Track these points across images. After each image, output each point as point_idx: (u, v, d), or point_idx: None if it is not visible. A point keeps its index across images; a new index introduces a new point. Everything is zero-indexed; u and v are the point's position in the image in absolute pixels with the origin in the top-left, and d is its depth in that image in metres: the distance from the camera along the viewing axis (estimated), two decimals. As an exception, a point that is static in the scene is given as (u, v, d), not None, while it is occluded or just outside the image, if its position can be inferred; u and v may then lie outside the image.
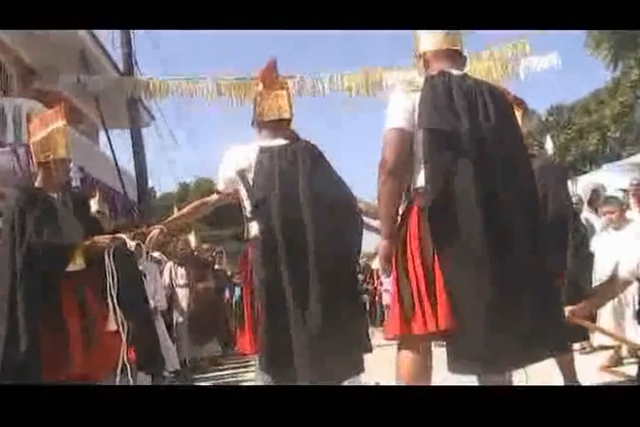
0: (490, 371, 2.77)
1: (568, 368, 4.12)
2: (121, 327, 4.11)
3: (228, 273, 10.89)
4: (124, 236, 4.22)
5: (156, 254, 8.77)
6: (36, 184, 4.27)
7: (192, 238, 9.37)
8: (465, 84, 2.82)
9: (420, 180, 2.74)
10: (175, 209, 9.87)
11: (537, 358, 2.80)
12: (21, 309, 3.83)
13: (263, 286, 3.54)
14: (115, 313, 4.14)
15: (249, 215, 3.71)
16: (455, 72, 2.90)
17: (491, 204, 2.61)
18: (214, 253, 10.77)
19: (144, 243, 4.22)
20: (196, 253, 9.19)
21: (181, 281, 8.50)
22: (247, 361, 9.36)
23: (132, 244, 4.21)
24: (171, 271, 8.53)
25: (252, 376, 7.53)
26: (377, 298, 12.33)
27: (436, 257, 2.64)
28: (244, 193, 3.73)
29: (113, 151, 13.09)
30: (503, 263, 2.58)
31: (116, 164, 13.11)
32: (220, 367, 8.89)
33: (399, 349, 2.81)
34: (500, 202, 2.64)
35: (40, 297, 3.89)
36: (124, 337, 4.05)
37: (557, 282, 2.93)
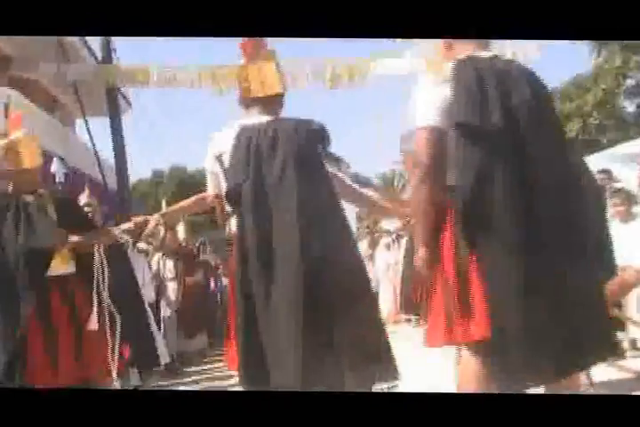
0: (534, 382, 2.57)
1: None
2: (108, 327, 3.95)
3: (212, 263, 10.76)
4: (114, 230, 4.09)
5: (143, 245, 8.61)
6: (9, 189, 4.10)
7: (181, 230, 9.16)
8: (496, 69, 2.60)
9: (452, 179, 2.54)
10: (164, 201, 9.72)
11: (585, 364, 2.69)
12: (2, 318, 3.66)
13: (238, 294, 3.03)
14: (101, 312, 3.97)
15: (227, 207, 3.26)
16: (484, 54, 2.68)
17: (528, 203, 2.45)
18: (198, 244, 10.61)
19: (140, 235, 4.08)
20: (184, 245, 9.01)
21: (169, 274, 8.33)
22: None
23: (124, 237, 4.07)
24: (159, 264, 8.36)
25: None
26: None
27: (471, 263, 2.48)
28: (222, 182, 3.24)
29: (92, 140, 12.88)
30: (543, 268, 2.41)
31: (96, 153, 12.91)
32: (208, 360, 8.76)
33: (459, 357, 2.68)
34: (538, 201, 2.46)
35: (22, 304, 3.68)
36: (116, 338, 3.92)
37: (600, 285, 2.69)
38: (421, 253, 2.66)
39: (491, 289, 2.42)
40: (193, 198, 4.23)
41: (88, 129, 12.78)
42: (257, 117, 3.24)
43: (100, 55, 13.51)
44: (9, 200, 3.96)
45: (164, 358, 7.33)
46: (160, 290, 8.14)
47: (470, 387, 2.54)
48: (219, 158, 3.23)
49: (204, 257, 10.21)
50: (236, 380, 6.53)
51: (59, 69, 11.71)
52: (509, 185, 2.44)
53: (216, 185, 3.33)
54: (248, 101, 3.35)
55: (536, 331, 2.38)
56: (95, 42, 13.61)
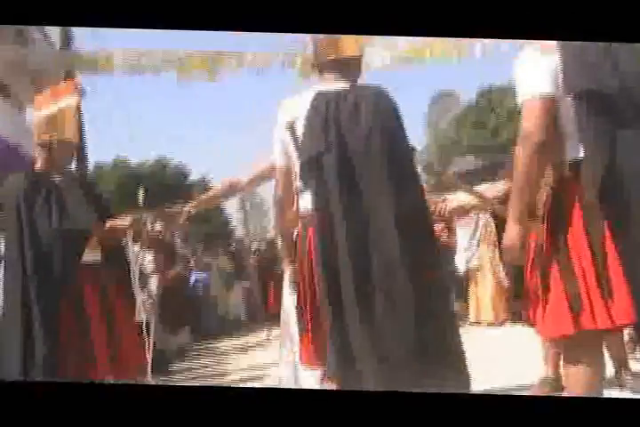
0: None
1: (618, 353, 3.95)
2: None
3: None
4: (145, 217, 3.83)
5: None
6: (37, 166, 3.78)
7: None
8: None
9: (573, 152, 2.40)
10: (141, 191, 9.34)
11: None
12: (36, 307, 3.36)
13: (322, 279, 2.72)
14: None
15: (300, 182, 2.91)
16: None
17: None
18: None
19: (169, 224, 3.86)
20: (162, 237, 8.65)
21: (149, 267, 8.00)
22: (215, 348, 9.05)
23: (154, 226, 3.83)
24: (138, 256, 7.99)
25: (227, 368, 7.26)
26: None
27: (608, 242, 2.30)
28: (293, 152, 2.93)
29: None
30: None
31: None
32: (192, 356, 8.50)
33: (566, 353, 2.51)
34: None
35: (56, 292, 3.43)
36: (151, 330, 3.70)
37: None
38: (515, 230, 2.51)
39: (630, 270, 2.25)
40: (226, 184, 3.95)
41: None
42: (333, 83, 2.94)
43: (57, 42, 13.05)
44: (39, 179, 3.63)
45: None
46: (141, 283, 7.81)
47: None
48: (290, 126, 2.92)
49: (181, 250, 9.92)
50: (232, 377, 6.35)
51: (17, 53, 11.23)
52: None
53: (286, 156, 3.00)
54: (323, 66, 3.02)
55: None
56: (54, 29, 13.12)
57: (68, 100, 3.70)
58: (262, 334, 9.53)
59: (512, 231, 2.52)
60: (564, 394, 2.53)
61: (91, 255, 3.65)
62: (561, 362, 3.87)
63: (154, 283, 7.96)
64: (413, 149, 3.14)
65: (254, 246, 11.37)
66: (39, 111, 3.72)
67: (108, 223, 3.69)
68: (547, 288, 2.46)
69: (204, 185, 36.18)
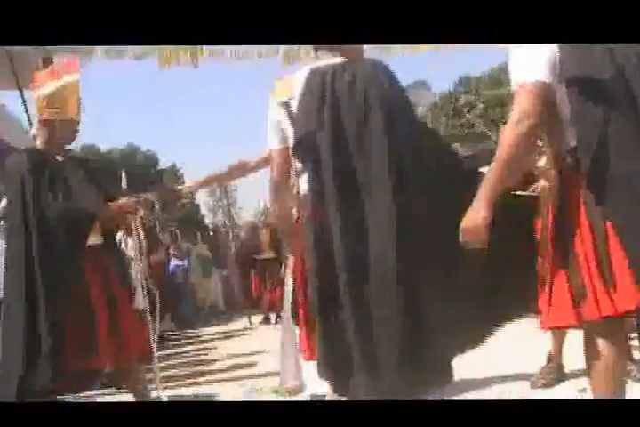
0: None
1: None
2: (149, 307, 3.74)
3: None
4: (151, 197, 3.78)
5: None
6: (38, 145, 3.69)
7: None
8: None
9: (573, 139, 2.31)
10: (123, 173, 9.18)
11: None
12: (41, 291, 3.31)
13: (313, 273, 2.55)
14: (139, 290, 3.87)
15: (298, 163, 2.78)
16: None
17: None
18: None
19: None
20: (144, 222, 8.53)
21: (132, 253, 7.87)
22: (198, 336, 8.97)
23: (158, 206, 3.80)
24: (120, 242, 7.88)
25: (211, 355, 7.19)
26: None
27: (607, 227, 2.24)
28: (290, 132, 2.76)
29: (28, 114, 12.17)
30: None
31: (31, 125, 12.22)
32: (175, 343, 8.45)
33: (588, 352, 2.38)
34: None
35: (62, 276, 3.37)
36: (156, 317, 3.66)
37: None
38: (483, 211, 2.29)
39: (630, 255, 2.19)
40: (233, 165, 3.88)
41: (23, 101, 12.06)
42: (328, 60, 2.75)
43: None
44: (42, 158, 3.56)
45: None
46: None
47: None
48: (285, 105, 2.79)
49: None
50: (222, 364, 6.28)
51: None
52: (634, 141, 2.23)
53: (282, 137, 2.88)
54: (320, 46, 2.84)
55: None
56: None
57: (70, 78, 3.62)
58: (244, 321, 9.53)
59: (479, 211, 2.30)
60: (589, 388, 2.46)
61: (93, 238, 3.59)
62: (563, 349, 3.91)
63: (137, 269, 7.86)
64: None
65: (233, 233, 11.27)
66: (40, 89, 3.64)
67: (113, 205, 3.61)
68: (550, 278, 2.39)
69: (175, 172, 36.05)
